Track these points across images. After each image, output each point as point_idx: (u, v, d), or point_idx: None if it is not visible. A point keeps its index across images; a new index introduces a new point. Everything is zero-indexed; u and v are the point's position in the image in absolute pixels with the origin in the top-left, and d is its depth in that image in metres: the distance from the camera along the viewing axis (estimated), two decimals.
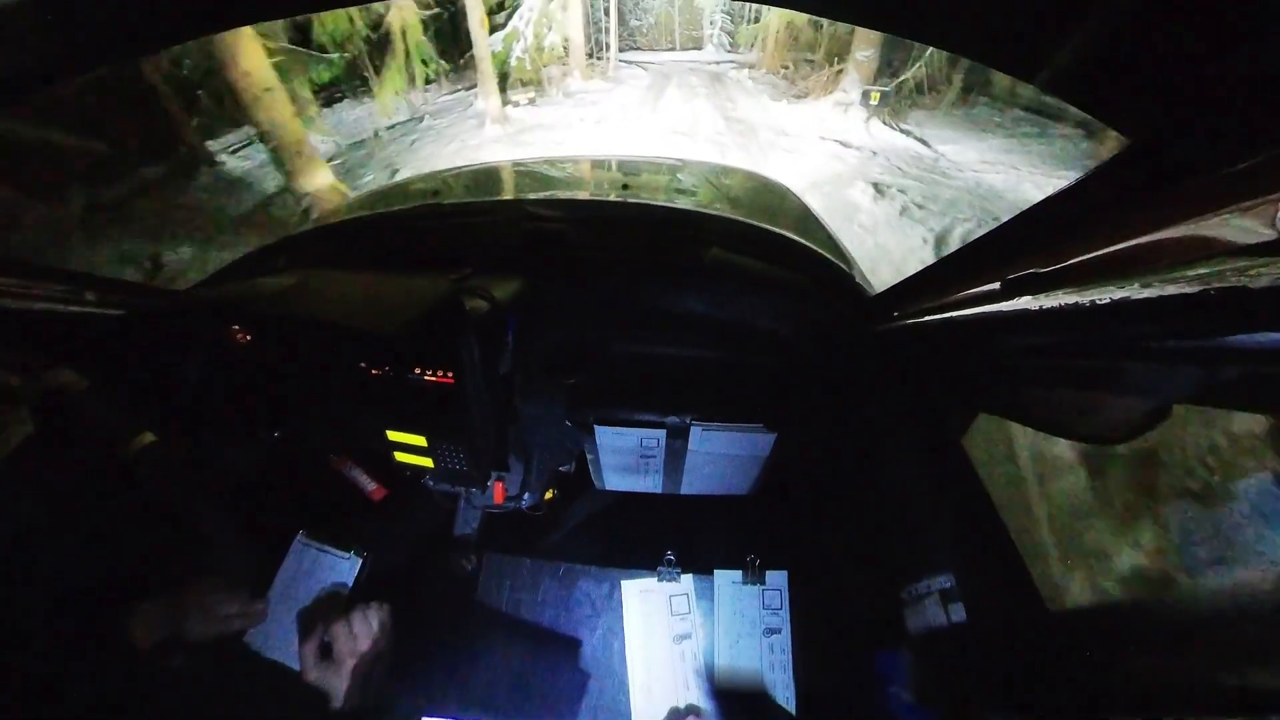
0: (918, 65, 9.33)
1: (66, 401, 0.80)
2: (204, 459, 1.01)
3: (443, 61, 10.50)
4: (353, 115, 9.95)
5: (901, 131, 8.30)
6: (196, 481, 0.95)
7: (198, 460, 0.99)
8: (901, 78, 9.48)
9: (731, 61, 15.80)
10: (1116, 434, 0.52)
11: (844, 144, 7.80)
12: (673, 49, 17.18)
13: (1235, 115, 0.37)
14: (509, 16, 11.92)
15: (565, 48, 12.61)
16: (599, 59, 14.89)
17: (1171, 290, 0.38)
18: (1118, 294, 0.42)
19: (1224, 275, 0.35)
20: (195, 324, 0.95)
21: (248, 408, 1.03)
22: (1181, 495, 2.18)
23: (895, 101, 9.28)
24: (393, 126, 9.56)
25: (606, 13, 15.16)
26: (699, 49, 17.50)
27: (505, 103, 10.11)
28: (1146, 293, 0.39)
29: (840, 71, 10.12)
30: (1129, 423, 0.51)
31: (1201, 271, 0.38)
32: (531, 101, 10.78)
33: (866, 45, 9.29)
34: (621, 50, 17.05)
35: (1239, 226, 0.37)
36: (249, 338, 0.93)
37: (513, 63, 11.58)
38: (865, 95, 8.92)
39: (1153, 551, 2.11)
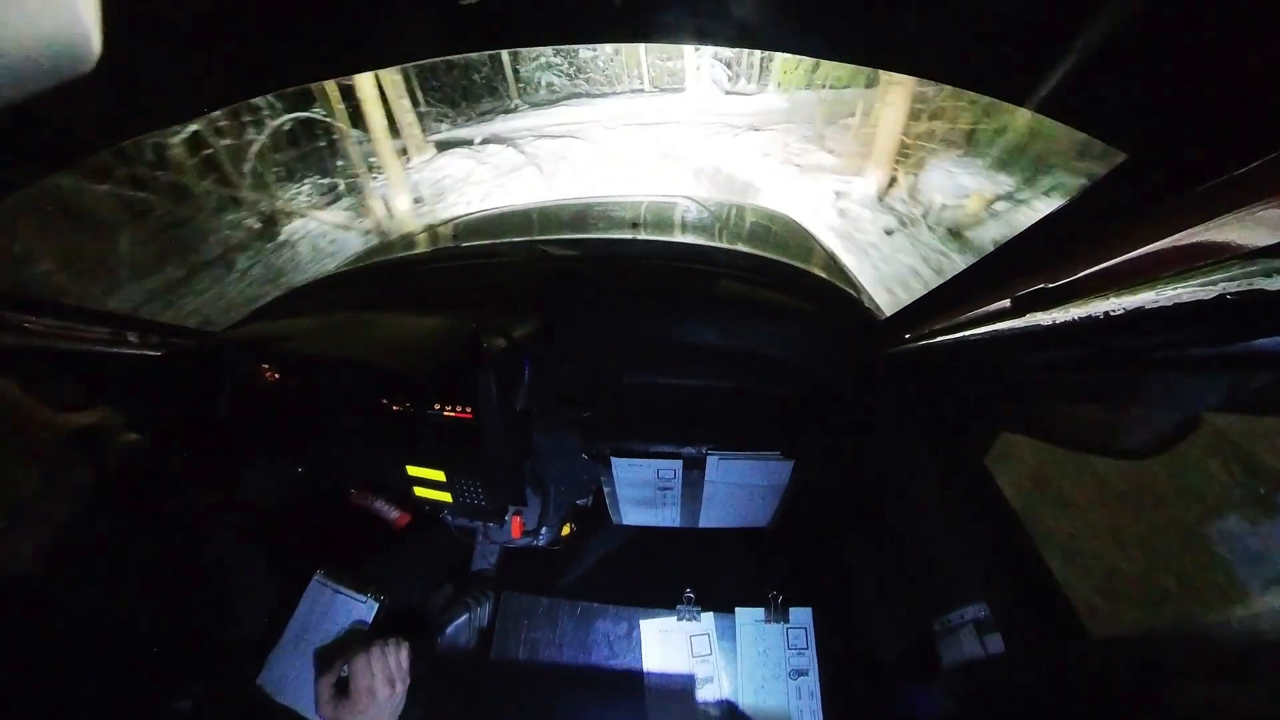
0: None
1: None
2: (232, 490, 1.03)
3: None
4: None
5: None
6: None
7: (227, 492, 1.01)
8: None
9: (747, 121, 8.17)
10: (1145, 447, 0.50)
11: None
12: (641, 90, 10.97)
13: (1233, 121, 0.37)
14: None
15: None
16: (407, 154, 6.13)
17: (1185, 298, 0.38)
18: (1129, 305, 0.41)
19: (1237, 279, 0.35)
20: (227, 363, 0.99)
21: (274, 442, 1.06)
22: None
23: None
24: None
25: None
26: (680, 89, 10.66)
27: None
28: (1158, 302, 0.39)
29: None
30: (1157, 435, 0.49)
31: (1213, 277, 0.37)
32: None
33: None
34: (563, 100, 10.41)
35: (1246, 230, 0.37)
36: (277, 376, 0.96)
37: None
38: None
39: None
